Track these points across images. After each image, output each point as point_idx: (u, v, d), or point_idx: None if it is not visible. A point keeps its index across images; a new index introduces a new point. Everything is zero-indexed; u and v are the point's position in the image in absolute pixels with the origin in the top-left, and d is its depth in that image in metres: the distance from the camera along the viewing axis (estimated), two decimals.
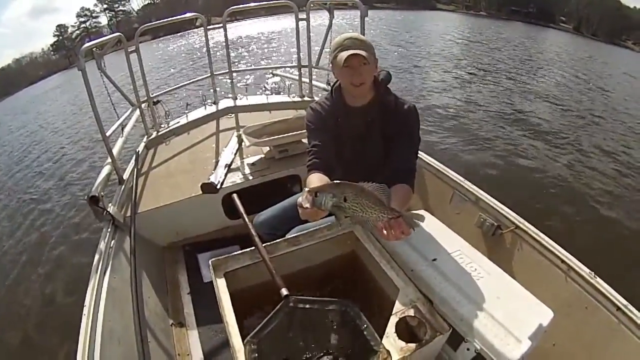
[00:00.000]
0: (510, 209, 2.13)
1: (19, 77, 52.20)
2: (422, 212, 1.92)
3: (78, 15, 67.05)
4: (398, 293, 1.52)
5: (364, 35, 2.75)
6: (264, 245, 1.64)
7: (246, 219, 1.78)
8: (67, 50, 61.87)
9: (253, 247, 1.67)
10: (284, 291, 1.42)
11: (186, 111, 4.12)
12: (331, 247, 1.84)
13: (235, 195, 1.89)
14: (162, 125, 3.82)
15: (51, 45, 64.09)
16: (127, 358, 1.67)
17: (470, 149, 7.01)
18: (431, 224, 1.86)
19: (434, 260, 1.63)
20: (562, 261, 1.76)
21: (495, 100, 10.15)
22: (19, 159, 10.44)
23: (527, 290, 1.47)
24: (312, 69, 4.00)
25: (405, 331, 1.41)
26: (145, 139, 3.57)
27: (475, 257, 1.64)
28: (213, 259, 1.67)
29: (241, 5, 4.36)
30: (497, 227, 2.11)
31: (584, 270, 1.68)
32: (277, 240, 1.74)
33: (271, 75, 4.77)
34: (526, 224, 2.00)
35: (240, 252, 1.70)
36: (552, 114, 9.08)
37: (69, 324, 3.30)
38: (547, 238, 1.88)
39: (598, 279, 1.64)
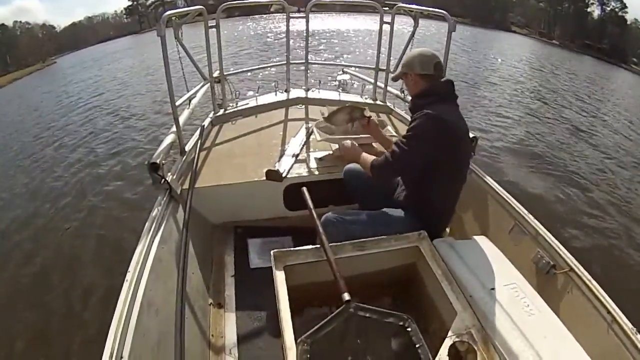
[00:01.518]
0: (567, 249, 2.07)
1: (90, 34, 54.03)
2: (482, 237, 2.07)
3: None
4: (455, 316, 1.54)
5: (449, 49, 2.79)
6: (330, 245, 1.64)
7: (315, 215, 1.77)
8: (139, 16, 63.53)
9: (318, 245, 1.67)
10: (346, 296, 1.42)
11: (256, 94, 4.13)
12: (394, 257, 1.87)
13: (305, 189, 1.89)
14: (231, 105, 3.84)
15: (124, 8, 65.71)
16: (163, 330, 1.67)
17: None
18: (491, 252, 1.93)
19: (492, 289, 1.67)
20: (608, 312, 1.70)
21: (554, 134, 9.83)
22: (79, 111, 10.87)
23: (570, 333, 1.51)
24: (390, 74, 3.94)
25: (455, 355, 1.44)
26: (212, 115, 3.60)
27: (528, 293, 1.67)
28: (275, 250, 1.67)
29: (326, 0, 4.36)
30: (552, 267, 2.06)
31: (627, 325, 1.63)
32: (344, 243, 1.76)
33: (342, 72, 4.72)
34: (580, 268, 1.94)
35: (305, 247, 1.71)
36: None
37: (111, 288, 3.48)
38: (597, 285, 1.84)
39: (639, 336, 1.59)
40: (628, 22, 60.98)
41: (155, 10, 62.86)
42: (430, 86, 2.03)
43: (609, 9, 62.03)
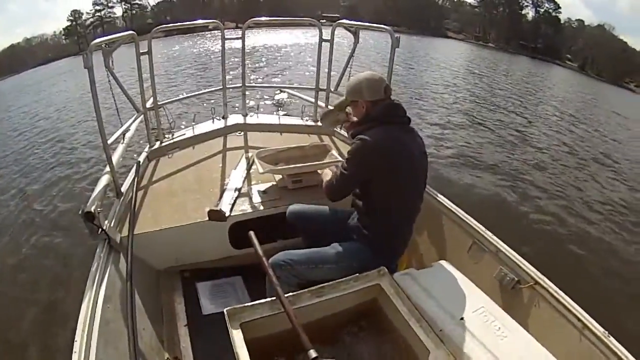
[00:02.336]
0: (530, 263, 2.06)
1: (28, 57, 52.17)
2: (442, 262, 2.04)
3: (94, 3, 66.63)
4: (428, 355, 1.51)
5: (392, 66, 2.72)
6: (286, 295, 1.56)
7: (266, 263, 1.67)
8: (78, 37, 61.76)
9: (274, 297, 1.58)
10: (313, 353, 1.33)
11: (193, 123, 3.94)
12: (354, 297, 1.80)
13: (252, 234, 1.75)
14: (167, 136, 3.65)
15: (63, 29, 63.70)
16: None
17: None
18: (454, 277, 1.93)
19: (462, 319, 1.66)
20: (578, 319, 1.71)
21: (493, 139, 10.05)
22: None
23: (544, 347, 1.55)
24: (330, 93, 3.86)
25: None
26: (147, 149, 3.40)
27: (498, 315, 1.69)
28: (229, 308, 1.56)
29: (264, 18, 4.23)
30: (517, 282, 2.05)
31: (599, 329, 1.64)
32: (300, 292, 1.68)
33: (279, 91, 4.60)
34: (545, 280, 1.94)
35: (260, 302, 1.61)
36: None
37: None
38: (564, 295, 1.84)
39: (611, 339, 1.61)
40: (562, 22, 64.34)
41: (94, 31, 61.57)
42: (372, 110, 2.03)
43: (542, 10, 65.45)
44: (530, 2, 67.45)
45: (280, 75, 16.67)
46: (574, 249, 5.23)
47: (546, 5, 66.39)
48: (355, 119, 2.15)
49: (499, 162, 8.19)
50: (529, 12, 67.89)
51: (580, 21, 66.66)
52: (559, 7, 65.94)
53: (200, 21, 3.88)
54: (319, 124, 3.97)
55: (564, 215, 6.15)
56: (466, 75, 21.13)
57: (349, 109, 2.27)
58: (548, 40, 62.40)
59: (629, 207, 6.92)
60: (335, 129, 3.78)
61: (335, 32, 3.67)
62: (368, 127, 1.98)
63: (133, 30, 2.92)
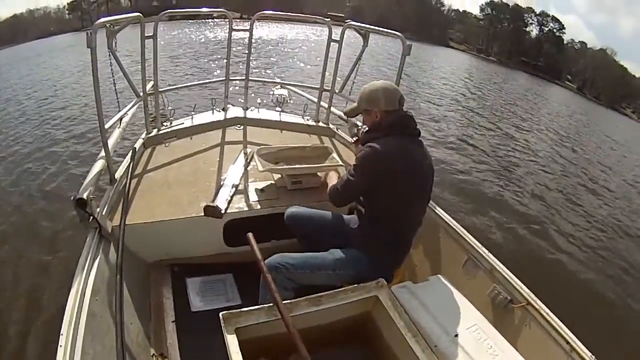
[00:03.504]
0: (523, 283, 2.07)
1: (30, 28, 51.65)
2: (439, 277, 2.07)
3: None
4: None
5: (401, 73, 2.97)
6: (283, 302, 1.53)
7: (265, 268, 1.64)
8: (82, 13, 61.19)
9: (271, 304, 1.57)
10: None
11: (192, 113, 3.85)
12: (350, 308, 1.78)
13: (251, 235, 1.71)
14: (165, 124, 3.57)
15: (68, 4, 62.78)
16: None
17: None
18: (449, 293, 1.96)
19: (456, 335, 1.69)
20: (567, 342, 1.73)
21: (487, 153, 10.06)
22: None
23: None
24: (334, 94, 3.82)
25: None
26: (144, 136, 3.32)
27: (490, 334, 1.72)
28: (224, 312, 1.54)
29: (272, 12, 4.15)
30: (510, 301, 2.05)
31: (586, 353, 1.67)
32: (298, 300, 1.67)
33: (279, 86, 4.52)
34: (537, 301, 1.95)
35: (257, 307, 1.59)
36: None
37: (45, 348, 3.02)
38: (555, 317, 1.85)
39: None
40: (565, 42, 64.87)
41: (98, 8, 61.06)
42: (384, 120, 2.04)
43: (547, 29, 65.93)
44: (535, 20, 68.13)
45: (281, 70, 16.57)
46: (564, 270, 5.28)
47: (550, 24, 67.09)
48: (366, 128, 2.19)
49: (482, 180, 8.19)
50: (533, 30, 68.58)
51: (583, 43, 67.23)
52: (563, 27, 66.63)
53: (209, 9, 3.81)
54: (321, 124, 3.93)
55: (545, 236, 6.18)
56: (464, 89, 21.14)
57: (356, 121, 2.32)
58: (549, 59, 62.88)
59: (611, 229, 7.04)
60: (335, 130, 3.78)
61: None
62: (379, 136, 1.98)
63: (138, 12, 2.82)
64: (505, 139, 11.77)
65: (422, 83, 19.16)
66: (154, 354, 2.01)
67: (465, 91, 19.84)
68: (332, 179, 2.40)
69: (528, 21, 68.65)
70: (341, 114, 3.54)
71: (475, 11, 76.38)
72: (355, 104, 2.17)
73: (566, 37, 67.07)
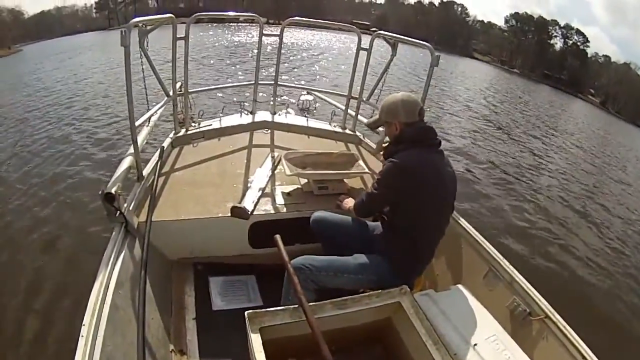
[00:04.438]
0: (543, 296, 2.06)
1: (56, 25, 52.60)
2: (459, 287, 2.09)
3: None
4: None
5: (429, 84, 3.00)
6: (309, 304, 1.56)
7: (291, 270, 1.67)
8: (109, 12, 62.16)
9: (295, 305, 1.59)
10: None
11: (220, 114, 3.90)
12: (373, 313, 1.80)
13: (278, 237, 1.75)
14: (193, 124, 3.62)
15: (95, 2, 63.98)
16: None
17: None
18: (469, 303, 1.96)
19: (475, 345, 1.69)
20: (583, 357, 1.72)
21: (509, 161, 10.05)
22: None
23: None
24: (362, 102, 3.83)
25: None
26: (172, 135, 3.37)
27: (509, 345, 1.72)
28: (249, 312, 1.57)
29: (302, 18, 4.18)
30: (528, 314, 2.05)
31: None
32: (323, 302, 1.69)
33: (306, 92, 4.55)
34: (556, 314, 1.94)
35: (282, 308, 1.62)
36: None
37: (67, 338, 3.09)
38: (572, 331, 1.84)
39: None
40: (589, 56, 63.97)
41: (126, 8, 61.96)
42: (405, 132, 2.05)
43: (571, 42, 65.07)
44: (560, 33, 67.44)
45: (307, 75, 16.74)
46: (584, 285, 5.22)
47: (575, 37, 66.34)
48: (387, 139, 2.21)
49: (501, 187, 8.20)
50: (557, 43, 68.02)
51: (607, 57, 66.34)
52: (588, 41, 65.89)
53: (239, 13, 3.86)
54: (347, 131, 3.95)
55: (564, 253, 6.10)
56: (486, 101, 20.96)
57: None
58: (573, 72, 62.09)
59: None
60: (361, 138, 3.79)
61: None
62: (401, 149, 2.01)
63: (166, 13, 2.86)
64: (527, 152, 11.68)
65: (445, 94, 19.10)
66: (173, 350, 2.03)
67: (488, 103, 19.73)
68: (349, 203, 2.42)
69: (552, 34, 68.17)
70: (374, 117, 3.58)
71: (500, 22, 76.18)
72: (377, 116, 2.22)
73: (590, 51, 66.51)
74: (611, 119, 41.25)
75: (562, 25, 67.47)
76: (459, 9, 76.58)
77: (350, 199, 2.48)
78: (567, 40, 66.78)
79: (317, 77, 17.44)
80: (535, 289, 2.09)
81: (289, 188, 2.80)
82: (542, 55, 65.10)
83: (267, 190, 2.77)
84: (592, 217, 7.84)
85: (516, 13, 71.49)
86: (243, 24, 36.13)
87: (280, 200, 2.68)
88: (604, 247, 6.56)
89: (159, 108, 2.91)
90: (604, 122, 31.15)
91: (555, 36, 67.80)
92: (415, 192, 1.94)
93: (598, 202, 8.94)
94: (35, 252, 4.36)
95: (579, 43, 66.10)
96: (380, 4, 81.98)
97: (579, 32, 66.28)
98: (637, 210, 9.17)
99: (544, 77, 60.87)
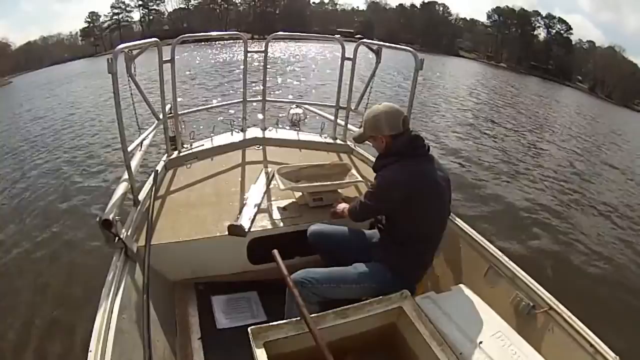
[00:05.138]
0: (545, 289, 2.06)
1: (43, 55, 52.80)
2: (461, 286, 2.11)
3: (112, 7, 67.56)
4: None
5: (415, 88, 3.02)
6: (311, 316, 1.57)
7: (291, 283, 1.69)
8: (95, 38, 62.42)
9: (298, 318, 1.60)
10: None
11: (211, 134, 3.92)
12: (375, 319, 1.82)
13: (276, 252, 1.77)
14: (185, 146, 3.64)
15: (80, 30, 64.45)
16: None
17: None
18: (472, 301, 1.98)
19: (481, 343, 1.70)
20: (591, 345, 1.72)
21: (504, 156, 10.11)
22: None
23: None
24: (350, 112, 3.85)
25: None
26: (165, 158, 3.38)
27: (514, 340, 1.74)
28: (253, 327, 1.58)
29: (285, 33, 4.23)
30: (532, 307, 2.05)
31: (610, 355, 1.66)
32: (325, 313, 1.70)
33: (295, 106, 4.56)
34: (560, 305, 1.94)
35: (284, 322, 1.63)
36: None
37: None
38: (578, 321, 1.84)
39: None
40: (573, 43, 64.40)
41: (111, 33, 62.24)
42: (392, 145, 2.05)
43: (554, 31, 65.52)
44: (542, 23, 67.98)
45: (297, 90, 16.71)
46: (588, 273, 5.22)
47: (558, 26, 66.90)
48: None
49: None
50: (541, 33, 68.63)
51: (591, 42, 67.10)
52: (571, 29, 66.58)
53: (223, 32, 3.88)
54: (338, 141, 3.97)
55: (565, 237, 6.15)
56: (475, 97, 21.05)
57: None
58: (559, 61, 62.57)
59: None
60: (353, 147, 3.80)
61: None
62: (390, 162, 2.02)
63: (151, 36, 2.90)
64: (521, 144, 11.79)
65: (433, 93, 19.24)
66: None
67: (476, 99, 19.89)
68: (342, 207, 2.45)
69: (535, 25, 68.80)
70: (359, 130, 3.59)
71: (483, 19, 76.49)
72: (362, 130, 2.19)
73: (574, 38, 67.22)
74: (601, 103, 41.53)
75: (544, 16, 68.18)
76: (441, 9, 77.34)
77: (343, 203, 2.48)
78: (550, 30, 67.46)
79: (306, 89, 17.49)
80: (538, 283, 2.09)
81: (284, 202, 2.82)
82: (527, 47, 65.60)
83: (263, 206, 2.78)
84: (594, 204, 7.87)
85: (498, 7, 72.13)
86: (228, 42, 36.29)
87: (276, 215, 2.69)
88: (604, 233, 6.57)
89: (150, 132, 2.92)
90: (597, 109, 31.23)
91: (539, 27, 68.54)
92: (408, 204, 1.96)
93: (599, 188, 9.02)
94: (35, 280, 4.37)
95: (562, 31, 66.81)
96: (363, 10, 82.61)
97: (561, 21, 67.14)
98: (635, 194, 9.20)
99: (531, 68, 61.27)
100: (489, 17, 73.52)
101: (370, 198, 2.06)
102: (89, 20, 64.89)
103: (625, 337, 3.01)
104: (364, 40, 3.50)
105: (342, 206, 2.44)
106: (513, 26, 69.87)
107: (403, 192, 1.94)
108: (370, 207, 2.09)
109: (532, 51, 65.19)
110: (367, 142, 2.24)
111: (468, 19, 77.60)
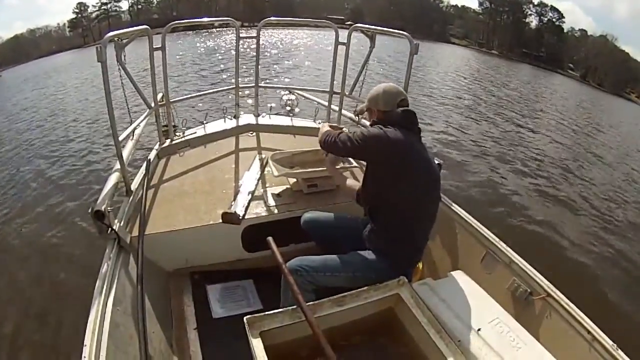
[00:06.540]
0: (543, 275, 2.07)
1: (31, 48, 52.13)
2: (458, 273, 2.10)
3: None
4: None
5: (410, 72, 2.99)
6: (307, 304, 1.55)
7: (287, 271, 1.66)
8: (83, 29, 61.55)
9: (294, 306, 1.58)
10: None
11: (204, 122, 3.88)
12: (372, 306, 1.80)
13: (271, 239, 1.73)
14: (177, 134, 3.59)
15: (68, 21, 63.30)
16: None
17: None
18: (469, 288, 1.97)
19: (479, 330, 1.70)
20: (588, 332, 1.73)
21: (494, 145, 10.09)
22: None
23: (555, 359, 1.61)
24: (344, 97, 3.79)
25: None
26: (157, 147, 3.34)
27: (512, 326, 1.74)
28: (248, 317, 1.55)
29: (278, 18, 4.15)
30: (529, 294, 2.05)
31: (607, 342, 1.67)
32: (321, 301, 1.69)
33: (288, 92, 4.53)
34: (557, 292, 1.95)
35: (280, 310, 1.62)
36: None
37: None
38: (575, 307, 1.85)
39: (620, 352, 1.63)
40: (565, 31, 64.45)
41: (99, 23, 61.42)
42: (388, 116, 2.05)
43: (546, 19, 65.54)
44: (534, 10, 67.87)
45: (289, 73, 16.75)
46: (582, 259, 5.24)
47: (549, 14, 66.87)
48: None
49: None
50: (533, 21, 68.48)
51: (583, 31, 67.16)
52: (563, 16, 66.48)
53: (214, 19, 3.81)
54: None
55: (556, 223, 6.17)
56: (466, 84, 21.06)
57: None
58: (551, 49, 62.65)
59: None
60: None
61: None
62: (384, 126, 1.99)
63: (140, 25, 2.82)
64: (513, 131, 11.82)
65: (424, 79, 19.22)
66: None
67: (467, 86, 19.92)
68: (325, 127, 2.34)
69: (527, 12, 68.57)
70: (352, 115, 3.58)
71: (474, 5, 76.39)
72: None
73: (566, 26, 67.12)
74: (593, 92, 41.60)
75: (536, 3, 68.04)
76: None
77: (326, 123, 2.49)
78: (542, 17, 67.29)
79: (299, 75, 17.41)
80: (535, 269, 2.09)
81: (278, 189, 2.80)
82: (519, 35, 65.49)
83: (257, 193, 2.76)
84: (589, 190, 7.96)
85: None
86: (219, 29, 36.06)
87: (270, 202, 2.67)
88: (601, 219, 6.66)
89: (142, 120, 2.89)
90: (586, 96, 31.40)
91: (530, 14, 68.32)
92: (403, 168, 1.92)
93: (593, 174, 9.14)
94: (28, 275, 4.32)
95: (554, 19, 66.70)
96: None
97: (553, 9, 66.91)
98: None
99: (522, 56, 61.24)
100: (480, 3, 73.20)
101: (359, 140, 1.96)
102: (77, 11, 63.86)
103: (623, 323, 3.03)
104: (358, 25, 3.43)
105: (325, 126, 2.37)
106: (505, 13, 69.72)
107: (389, 150, 1.91)
108: (352, 147, 2.00)
109: (523, 38, 65.12)
110: (364, 118, 2.23)
111: (459, 5, 77.41)
